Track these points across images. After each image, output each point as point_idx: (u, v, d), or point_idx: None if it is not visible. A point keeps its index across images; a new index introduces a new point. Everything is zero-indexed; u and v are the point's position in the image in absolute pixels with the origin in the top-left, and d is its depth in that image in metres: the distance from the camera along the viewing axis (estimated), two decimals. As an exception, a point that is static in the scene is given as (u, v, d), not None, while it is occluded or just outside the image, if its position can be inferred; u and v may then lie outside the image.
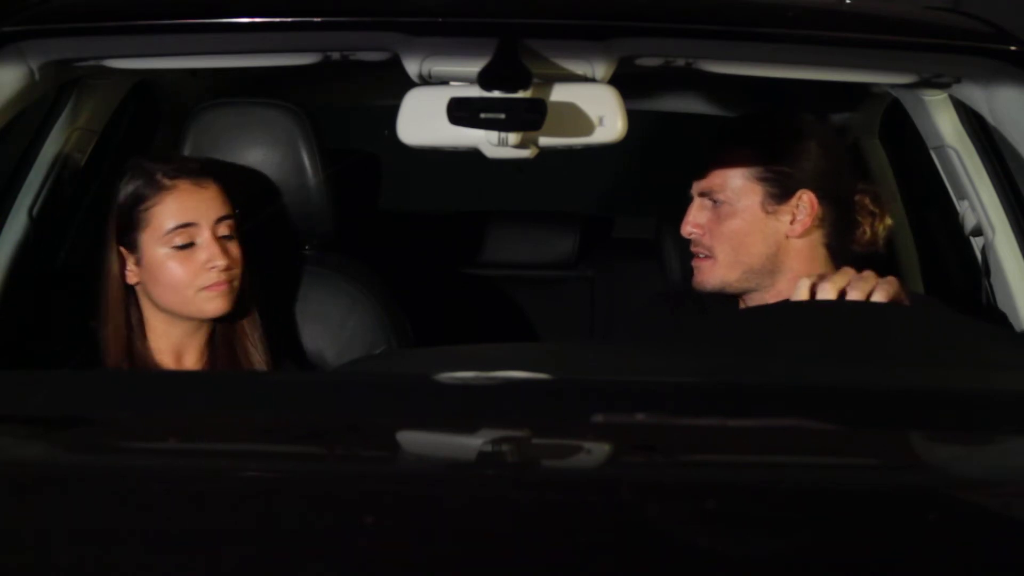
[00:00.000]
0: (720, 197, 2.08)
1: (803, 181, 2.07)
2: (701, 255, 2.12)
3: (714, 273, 2.10)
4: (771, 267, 2.08)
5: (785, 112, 2.25)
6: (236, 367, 2.10)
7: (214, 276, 2.02)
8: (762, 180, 2.07)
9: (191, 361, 2.10)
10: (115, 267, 2.05)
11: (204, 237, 2.03)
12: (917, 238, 2.70)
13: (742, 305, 2.14)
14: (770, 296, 2.10)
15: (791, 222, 2.07)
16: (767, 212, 2.07)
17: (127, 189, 2.04)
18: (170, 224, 2.02)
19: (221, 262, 2.02)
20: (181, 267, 2.02)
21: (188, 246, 2.02)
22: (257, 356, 2.11)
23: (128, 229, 2.03)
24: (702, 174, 2.12)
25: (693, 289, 2.24)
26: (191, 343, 2.10)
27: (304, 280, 2.27)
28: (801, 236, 2.07)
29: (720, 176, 2.09)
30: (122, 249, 2.05)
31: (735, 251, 2.08)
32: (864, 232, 2.13)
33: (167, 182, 2.03)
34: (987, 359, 1.73)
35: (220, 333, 2.11)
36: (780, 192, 2.07)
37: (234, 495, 1.14)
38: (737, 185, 2.07)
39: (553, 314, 3.04)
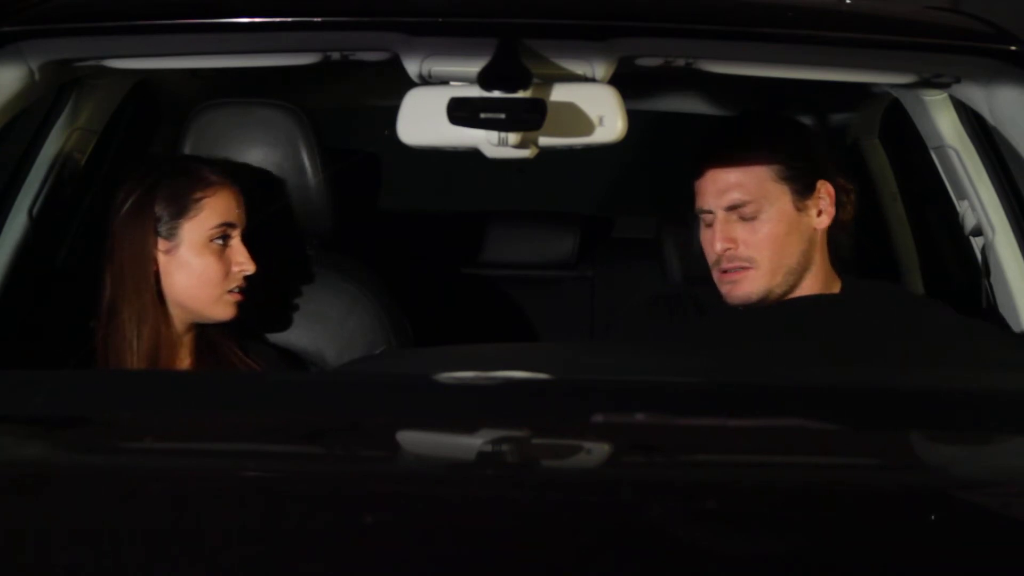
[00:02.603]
0: (751, 206, 2.03)
1: (818, 172, 2.07)
2: (737, 268, 2.05)
3: (757, 282, 2.05)
4: (805, 263, 2.07)
5: (773, 110, 2.25)
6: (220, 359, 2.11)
7: (239, 281, 2.06)
8: (787, 179, 2.04)
9: (182, 357, 2.10)
10: (151, 249, 2.05)
11: (235, 242, 2.07)
12: (917, 238, 2.70)
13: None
14: (798, 294, 2.08)
15: (818, 215, 2.07)
16: (798, 209, 2.05)
17: (174, 181, 2.05)
18: (219, 219, 2.05)
19: (251, 268, 2.06)
20: (217, 264, 2.05)
21: (224, 246, 2.06)
22: (238, 358, 2.12)
23: (170, 215, 2.04)
24: (720, 189, 2.05)
25: (690, 290, 2.24)
26: (184, 341, 2.10)
27: (304, 280, 2.27)
28: (825, 227, 2.07)
29: (744, 185, 2.04)
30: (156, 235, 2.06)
31: (778, 255, 2.04)
32: (847, 211, 2.13)
33: (217, 179, 2.07)
34: (987, 359, 1.73)
35: (205, 337, 2.12)
36: (803, 187, 2.05)
37: (234, 495, 1.14)
38: (766, 189, 2.04)
39: (553, 314, 3.04)
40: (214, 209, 2.05)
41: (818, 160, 2.09)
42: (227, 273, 2.06)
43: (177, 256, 2.05)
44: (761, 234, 2.04)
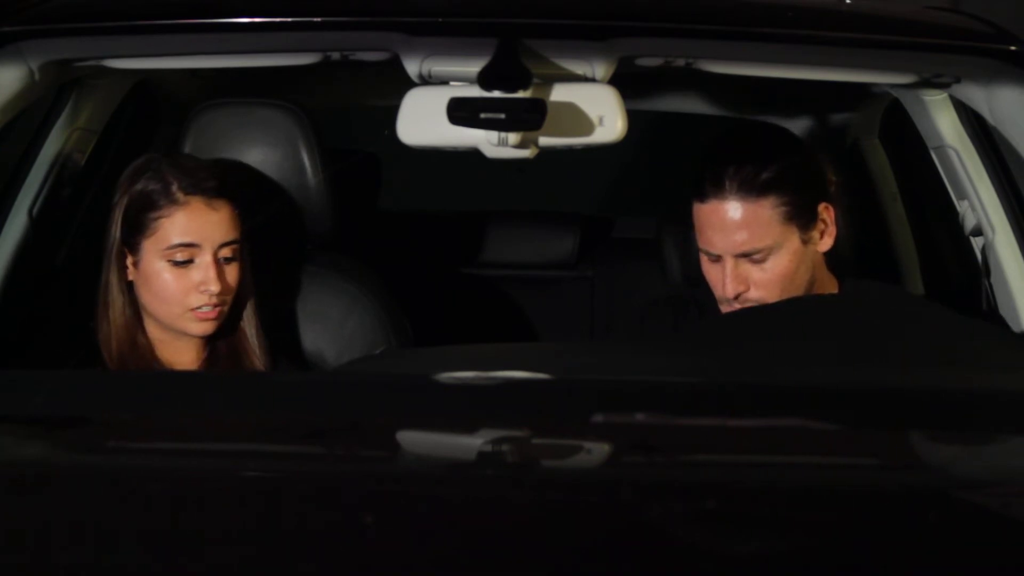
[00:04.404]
0: (762, 253, 2.01)
1: (818, 196, 2.05)
2: (749, 304, 2.04)
3: None
4: (810, 285, 2.06)
5: (770, 132, 2.23)
6: (233, 367, 2.10)
7: (204, 299, 2.01)
8: (793, 218, 2.02)
9: (188, 359, 2.10)
10: (118, 261, 2.04)
11: (204, 259, 2.01)
12: (917, 238, 2.70)
13: None
14: None
15: (820, 238, 2.06)
16: (805, 242, 2.04)
17: (140, 190, 2.02)
18: (174, 240, 2.00)
19: (215, 287, 2.00)
20: (175, 282, 2.01)
21: (187, 263, 2.01)
22: (256, 361, 2.11)
23: (133, 230, 2.02)
24: (729, 239, 2.02)
25: (691, 292, 2.24)
26: (187, 343, 2.10)
27: (304, 280, 2.27)
28: (829, 248, 2.07)
29: (754, 234, 2.01)
30: (124, 247, 2.05)
31: (787, 289, 2.03)
32: (844, 217, 2.12)
33: (181, 197, 2.01)
34: (987, 359, 1.73)
35: (219, 336, 2.11)
36: (808, 218, 2.03)
37: (234, 495, 1.14)
38: (775, 233, 2.01)
39: (553, 314, 3.04)
40: (170, 230, 2.00)
41: (818, 182, 2.07)
42: (188, 292, 2.01)
43: (141, 271, 2.03)
44: (772, 274, 2.02)
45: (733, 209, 2.01)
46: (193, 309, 2.01)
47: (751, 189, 2.01)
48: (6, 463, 1.26)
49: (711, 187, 2.03)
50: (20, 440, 1.38)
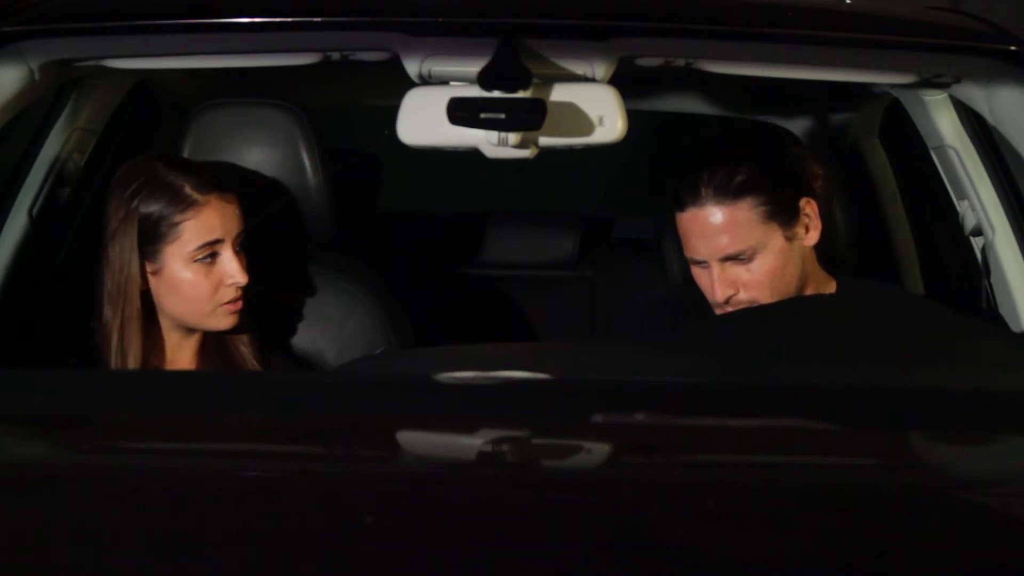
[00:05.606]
0: (746, 253, 2.02)
1: (799, 191, 2.06)
2: (741, 307, 2.05)
3: None
4: (802, 281, 2.07)
5: (742, 134, 2.23)
6: (226, 365, 2.10)
7: (232, 292, 2.03)
8: (774, 216, 2.03)
9: (185, 359, 2.10)
10: (137, 275, 2.02)
11: (226, 253, 2.02)
12: (917, 238, 2.70)
13: None
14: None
15: (806, 232, 2.06)
16: (789, 239, 2.04)
17: (153, 203, 2.01)
18: (200, 240, 2.00)
19: (242, 279, 2.02)
20: (204, 282, 2.01)
21: (210, 260, 2.02)
22: (249, 358, 2.11)
23: (151, 240, 2.01)
24: (711, 244, 2.03)
25: (690, 292, 2.24)
26: (185, 345, 2.10)
27: (304, 280, 2.27)
28: (815, 242, 2.07)
29: (735, 236, 2.02)
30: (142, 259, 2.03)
31: (778, 289, 2.04)
32: (834, 212, 2.12)
33: (199, 197, 2.01)
34: (987, 359, 1.73)
35: (213, 336, 2.11)
36: (789, 215, 2.04)
37: (234, 495, 1.14)
38: (756, 233, 2.02)
39: (553, 314, 3.04)
40: (195, 231, 2.00)
41: (798, 178, 2.08)
42: (217, 288, 2.02)
43: (164, 277, 2.02)
44: (760, 274, 2.03)
45: (711, 214, 2.03)
46: (224, 304, 2.03)
47: (726, 192, 2.02)
48: (6, 463, 1.26)
49: (687, 195, 2.04)
50: (20, 440, 1.38)
